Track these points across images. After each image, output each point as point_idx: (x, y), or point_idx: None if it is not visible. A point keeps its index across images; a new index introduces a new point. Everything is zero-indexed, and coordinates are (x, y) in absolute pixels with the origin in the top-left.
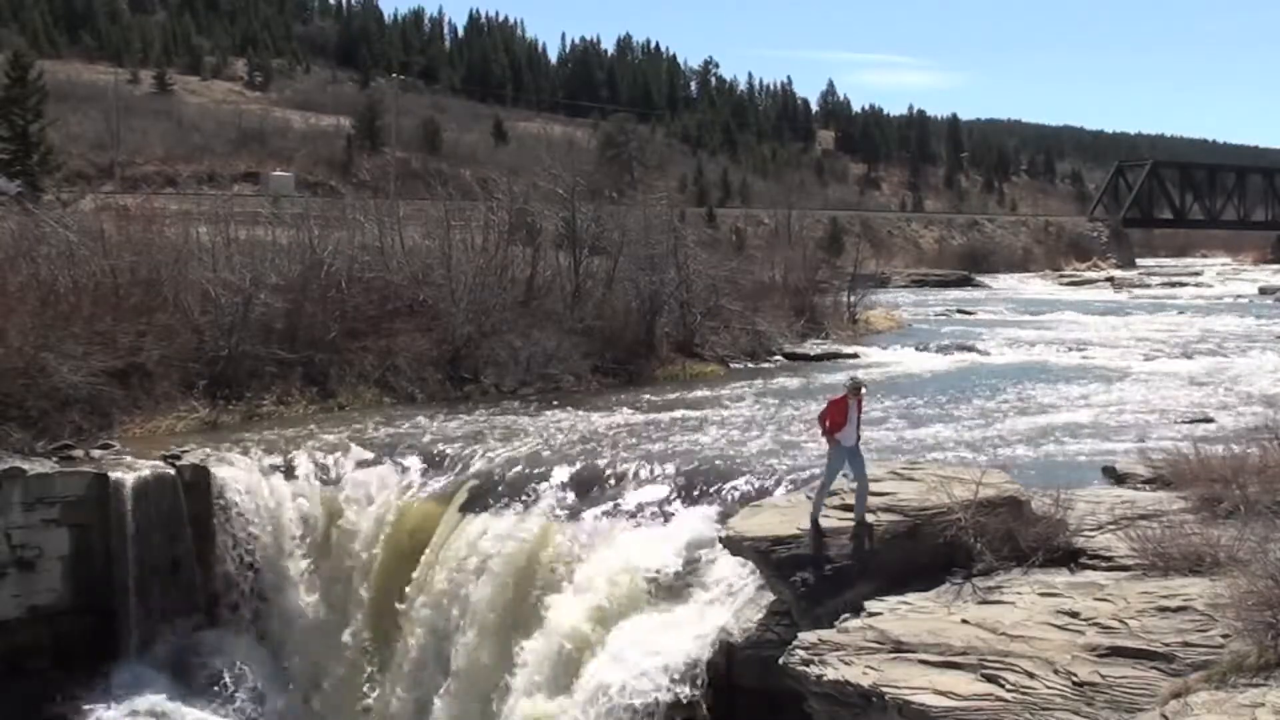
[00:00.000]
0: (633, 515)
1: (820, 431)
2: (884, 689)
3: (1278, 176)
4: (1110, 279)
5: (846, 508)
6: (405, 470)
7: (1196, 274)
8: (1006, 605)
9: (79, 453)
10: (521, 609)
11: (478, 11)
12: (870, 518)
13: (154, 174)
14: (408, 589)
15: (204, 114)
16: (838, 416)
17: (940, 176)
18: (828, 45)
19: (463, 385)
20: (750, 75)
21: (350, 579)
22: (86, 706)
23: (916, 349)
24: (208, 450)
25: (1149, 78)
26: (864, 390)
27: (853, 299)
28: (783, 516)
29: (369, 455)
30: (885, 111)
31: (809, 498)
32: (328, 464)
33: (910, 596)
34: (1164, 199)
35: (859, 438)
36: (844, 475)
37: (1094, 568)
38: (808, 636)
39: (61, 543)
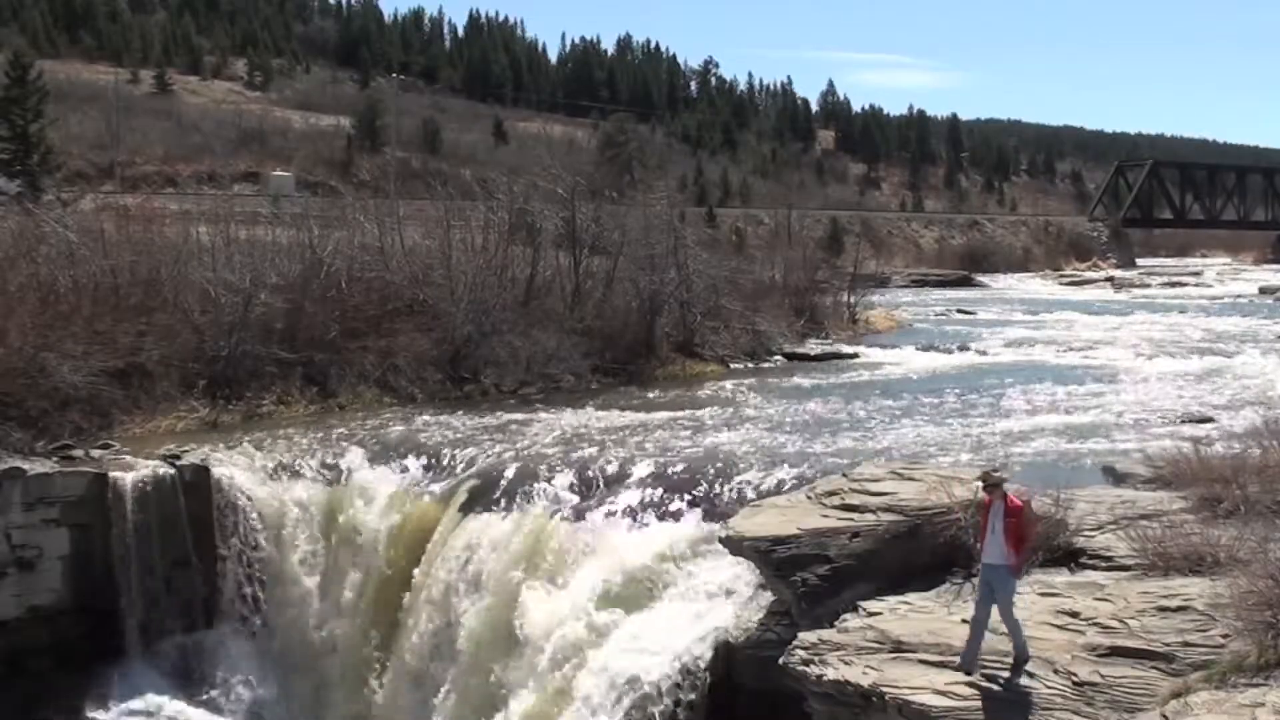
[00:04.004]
0: (632, 515)
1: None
2: (884, 689)
3: (1278, 176)
4: (1110, 279)
5: (848, 507)
6: (405, 470)
7: (1196, 274)
8: None
9: (79, 453)
10: (522, 610)
11: (478, 11)
12: (870, 518)
13: (154, 174)
14: (407, 590)
15: (204, 114)
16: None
17: (940, 176)
18: (828, 45)
19: (463, 385)
20: (750, 75)
21: (350, 579)
22: (87, 707)
23: (917, 349)
24: (208, 450)
25: (1149, 78)
26: (1005, 479)
27: (853, 299)
28: (783, 516)
29: (369, 455)
30: (885, 111)
31: (809, 498)
32: (328, 464)
33: (910, 596)
34: (1164, 199)
35: (1008, 554)
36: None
37: (1094, 567)
38: (808, 636)
39: (61, 543)
